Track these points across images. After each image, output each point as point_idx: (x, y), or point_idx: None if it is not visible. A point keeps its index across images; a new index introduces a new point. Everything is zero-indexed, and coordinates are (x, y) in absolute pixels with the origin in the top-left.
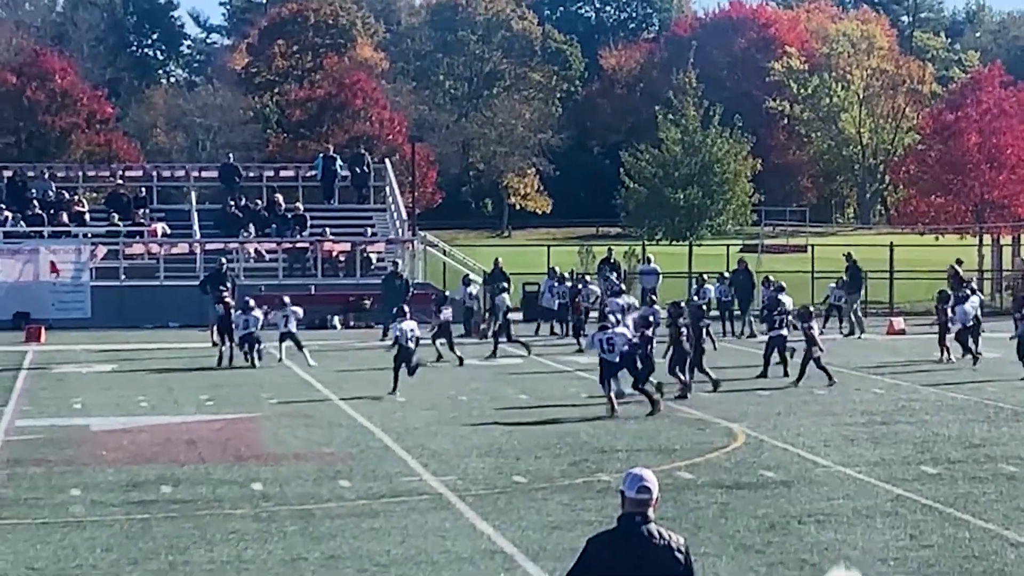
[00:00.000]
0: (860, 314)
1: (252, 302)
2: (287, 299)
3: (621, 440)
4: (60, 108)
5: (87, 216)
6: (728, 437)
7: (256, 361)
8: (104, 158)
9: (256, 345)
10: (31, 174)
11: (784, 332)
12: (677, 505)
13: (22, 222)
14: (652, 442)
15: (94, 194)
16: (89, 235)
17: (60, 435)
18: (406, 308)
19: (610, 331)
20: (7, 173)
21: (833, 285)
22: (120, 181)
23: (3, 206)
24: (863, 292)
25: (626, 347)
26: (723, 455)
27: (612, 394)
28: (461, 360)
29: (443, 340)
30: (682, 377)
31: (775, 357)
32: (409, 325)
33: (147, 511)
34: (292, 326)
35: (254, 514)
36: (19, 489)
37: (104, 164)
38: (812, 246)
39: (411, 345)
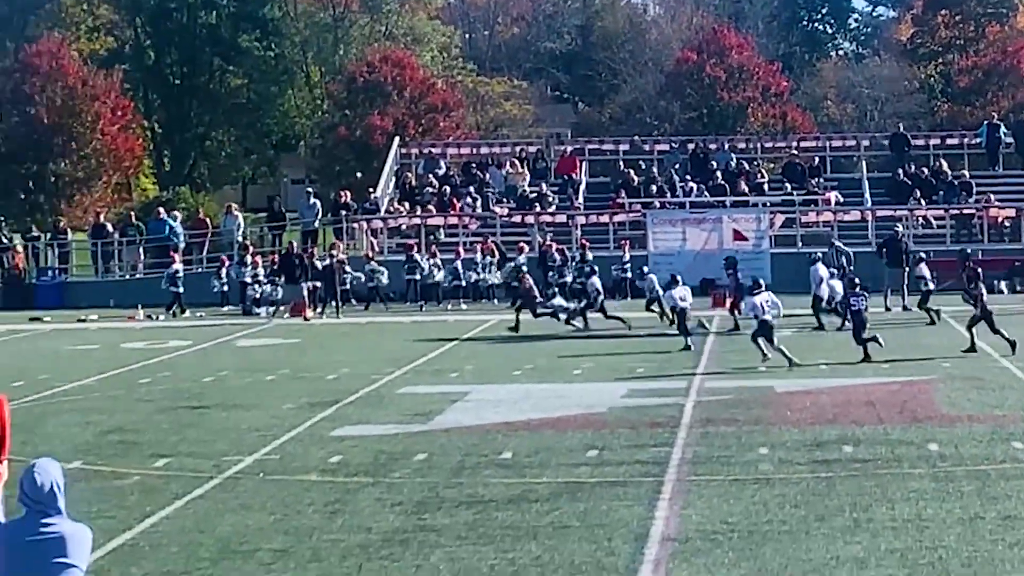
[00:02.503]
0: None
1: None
2: None
3: None
4: (737, 83)
5: (765, 186)
6: None
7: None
8: (779, 130)
9: None
10: (713, 146)
11: None
12: None
13: (706, 192)
14: None
15: (771, 164)
16: (767, 204)
17: (747, 396)
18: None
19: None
20: (690, 146)
21: None
22: (795, 151)
23: (688, 177)
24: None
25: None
26: None
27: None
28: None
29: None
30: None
31: None
32: (763, 298)
33: (830, 470)
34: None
35: (931, 474)
36: (711, 447)
37: (780, 135)
38: None
39: (767, 318)
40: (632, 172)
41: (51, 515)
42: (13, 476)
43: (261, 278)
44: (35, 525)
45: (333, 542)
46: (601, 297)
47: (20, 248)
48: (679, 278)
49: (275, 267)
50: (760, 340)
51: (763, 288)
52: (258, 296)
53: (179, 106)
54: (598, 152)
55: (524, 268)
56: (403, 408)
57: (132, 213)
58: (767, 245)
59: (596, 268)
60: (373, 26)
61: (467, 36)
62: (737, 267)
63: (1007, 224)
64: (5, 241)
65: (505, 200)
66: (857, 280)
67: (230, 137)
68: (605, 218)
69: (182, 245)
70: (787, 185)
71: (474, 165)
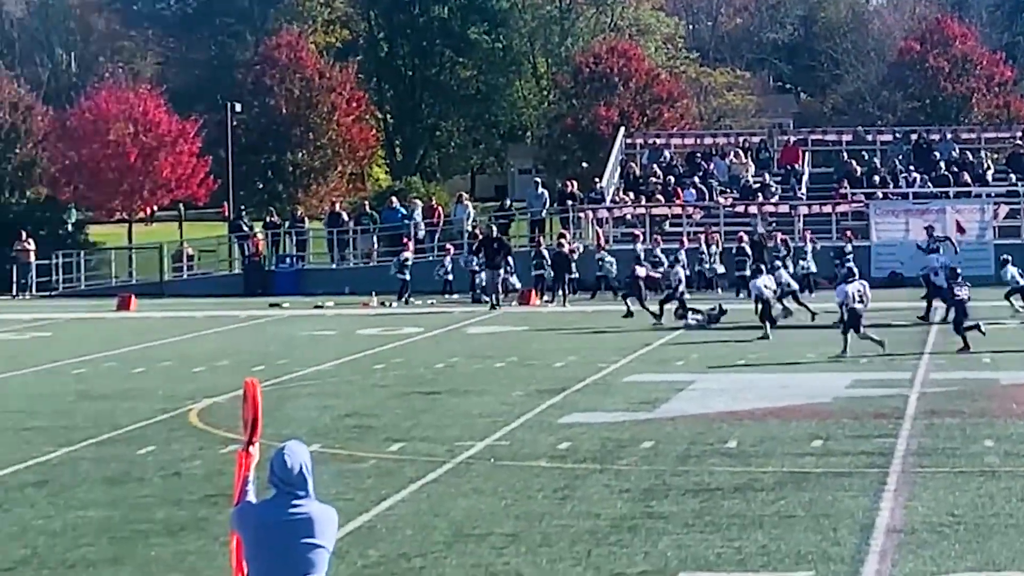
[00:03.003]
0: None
1: None
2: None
3: None
4: (961, 73)
5: (989, 176)
6: None
7: None
8: (1003, 120)
9: None
10: (935, 137)
11: None
12: None
13: (929, 183)
14: None
15: (995, 155)
16: (991, 195)
17: (972, 388)
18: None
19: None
20: (913, 136)
21: None
22: (1020, 142)
23: (911, 168)
24: None
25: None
26: None
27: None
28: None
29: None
30: None
31: None
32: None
33: None
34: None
35: None
36: (937, 439)
37: (1004, 125)
38: None
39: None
40: (855, 162)
41: (301, 496)
42: (262, 458)
43: None
44: (285, 506)
45: (562, 527)
46: (683, 288)
47: (260, 236)
48: (762, 268)
49: (474, 250)
50: (848, 333)
51: (856, 277)
52: (486, 284)
53: (411, 97)
54: (821, 142)
55: (640, 257)
56: (629, 396)
57: (366, 202)
58: (991, 236)
59: (680, 258)
60: (599, 18)
61: (690, 27)
62: (844, 258)
63: None
64: (246, 229)
65: (728, 190)
66: (959, 270)
67: (459, 127)
68: (828, 208)
69: (421, 234)
70: (1011, 176)
71: (698, 155)
